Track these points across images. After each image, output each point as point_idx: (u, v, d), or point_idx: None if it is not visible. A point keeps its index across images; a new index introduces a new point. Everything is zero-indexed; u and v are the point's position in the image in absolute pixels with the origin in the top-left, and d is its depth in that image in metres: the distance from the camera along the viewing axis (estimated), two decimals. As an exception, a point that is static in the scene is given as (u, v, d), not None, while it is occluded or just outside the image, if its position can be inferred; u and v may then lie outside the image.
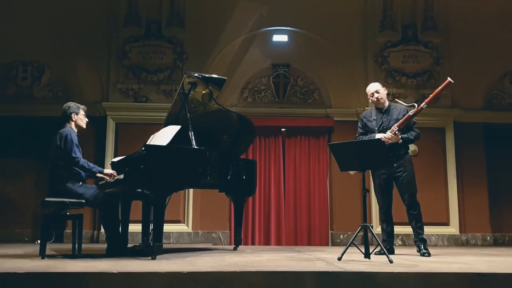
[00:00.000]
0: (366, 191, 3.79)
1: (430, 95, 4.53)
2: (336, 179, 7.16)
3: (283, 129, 7.51)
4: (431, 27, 7.54)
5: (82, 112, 4.25)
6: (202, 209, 7.06)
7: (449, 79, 4.46)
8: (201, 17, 7.51)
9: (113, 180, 4.10)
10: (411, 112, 4.39)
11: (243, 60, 7.52)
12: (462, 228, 7.21)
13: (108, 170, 4.20)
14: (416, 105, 4.42)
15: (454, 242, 7.11)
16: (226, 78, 4.69)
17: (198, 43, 7.46)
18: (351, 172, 4.31)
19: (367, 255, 3.71)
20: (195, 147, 4.01)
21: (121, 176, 3.99)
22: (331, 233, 7.22)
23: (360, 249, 3.76)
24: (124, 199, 4.40)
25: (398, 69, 7.46)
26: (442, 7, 7.61)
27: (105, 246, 4.26)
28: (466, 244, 7.14)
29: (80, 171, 4.09)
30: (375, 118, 4.59)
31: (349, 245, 3.71)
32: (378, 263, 3.41)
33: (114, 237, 4.16)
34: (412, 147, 7.02)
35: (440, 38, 7.53)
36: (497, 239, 7.43)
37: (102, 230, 6.15)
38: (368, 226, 3.76)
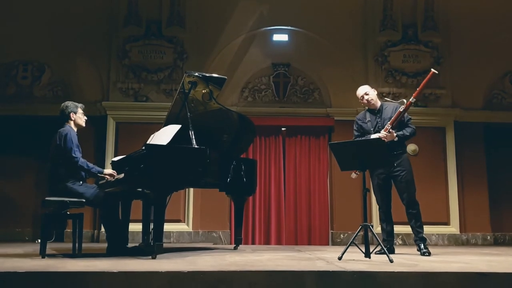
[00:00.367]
0: (366, 190, 3.79)
1: (417, 89, 4.53)
2: (336, 178, 7.16)
3: (283, 129, 7.51)
4: (432, 26, 7.54)
5: (80, 111, 4.24)
6: (202, 208, 7.06)
7: (433, 70, 4.48)
8: (202, 16, 7.50)
9: (113, 180, 4.09)
10: (401, 108, 4.40)
11: (243, 59, 7.52)
12: (463, 227, 7.20)
13: (108, 170, 4.18)
14: (405, 101, 4.43)
15: (454, 241, 7.11)
16: (226, 77, 4.69)
17: (199, 43, 7.46)
18: (353, 176, 4.31)
19: (367, 254, 3.71)
20: (195, 146, 4.00)
21: (122, 176, 3.99)
22: (331, 232, 7.22)
23: (361, 248, 3.76)
24: (124, 198, 4.40)
25: (399, 69, 7.46)
26: (443, 6, 7.61)
27: (105, 245, 4.26)
28: (466, 243, 7.14)
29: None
30: (370, 119, 4.60)
31: (349, 245, 3.71)
32: (378, 263, 3.41)
33: (115, 236, 4.16)
34: (412, 147, 7.04)
35: (441, 37, 7.53)
36: (497, 239, 7.42)
37: (103, 229, 6.16)
38: (369, 225, 3.76)
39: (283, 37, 7.60)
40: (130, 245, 4.39)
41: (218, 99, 4.76)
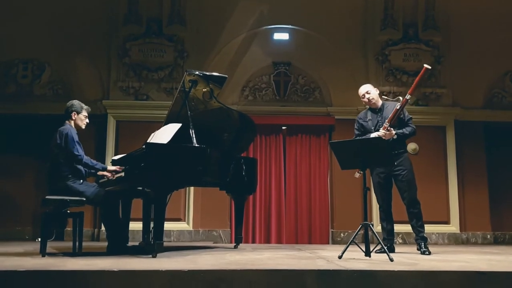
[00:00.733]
0: (367, 189, 3.79)
1: (412, 85, 4.52)
2: (336, 177, 7.16)
3: (284, 127, 7.51)
4: (432, 25, 7.54)
5: (84, 113, 4.23)
6: (202, 207, 7.06)
7: (425, 66, 4.47)
8: (202, 15, 7.50)
9: (114, 178, 4.09)
10: (397, 106, 4.39)
11: (244, 58, 7.52)
12: (463, 226, 7.21)
13: (112, 167, 4.18)
14: (401, 98, 4.43)
15: (454, 240, 7.11)
16: (226, 76, 4.69)
17: (199, 41, 7.45)
18: (357, 175, 4.31)
19: (367, 253, 3.70)
20: (196, 145, 4.00)
21: (122, 174, 3.99)
22: (332, 231, 7.22)
23: (361, 247, 3.76)
24: (124, 197, 4.40)
25: (399, 68, 7.46)
26: (443, 6, 7.60)
27: (105, 244, 4.26)
28: (466, 242, 7.14)
29: (81, 168, 4.09)
30: (371, 118, 4.60)
31: (349, 244, 3.71)
32: (378, 262, 3.41)
33: (115, 235, 4.16)
34: (412, 146, 7.04)
35: (441, 36, 7.53)
36: (497, 238, 7.43)
37: (103, 228, 6.16)
38: (369, 224, 3.75)
39: (284, 36, 7.60)
40: (130, 243, 4.39)
41: (219, 97, 4.76)
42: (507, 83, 7.70)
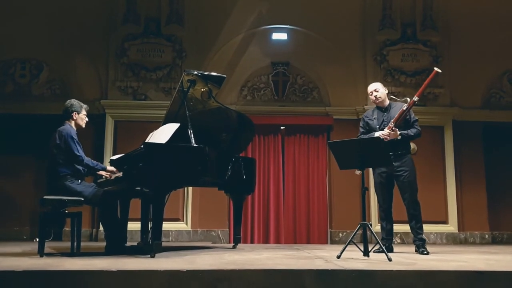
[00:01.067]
0: (365, 189, 3.80)
1: (420, 88, 4.54)
2: (335, 177, 7.16)
3: (282, 127, 7.51)
4: (430, 26, 7.54)
5: (84, 112, 4.23)
6: (201, 207, 7.06)
7: (436, 69, 4.47)
8: (201, 15, 7.49)
9: (112, 178, 4.09)
10: (404, 107, 4.39)
11: (243, 58, 7.51)
12: (461, 226, 7.22)
13: (111, 168, 4.18)
14: (408, 99, 4.43)
15: (452, 240, 7.12)
16: (225, 76, 4.68)
17: (197, 41, 7.44)
18: (357, 172, 4.31)
19: (366, 253, 3.71)
20: (194, 145, 4.00)
21: (120, 174, 3.99)
22: (330, 231, 7.22)
23: (359, 247, 3.76)
24: (123, 197, 4.39)
25: (397, 68, 7.46)
26: (441, 6, 7.61)
27: (104, 244, 4.25)
28: (464, 242, 7.15)
29: (80, 168, 4.08)
30: (376, 117, 4.61)
31: (348, 243, 3.71)
32: (377, 261, 3.41)
33: (113, 235, 4.15)
34: (411, 145, 7.03)
35: (439, 37, 7.54)
36: (495, 237, 7.44)
37: (101, 228, 6.16)
38: (367, 224, 3.76)
39: (282, 36, 7.60)
40: (128, 244, 4.38)
41: (217, 97, 4.76)
42: (505, 83, 7.71)
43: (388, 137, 4.33)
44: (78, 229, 3.95)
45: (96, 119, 6.95)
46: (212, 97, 4.62)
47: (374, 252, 4.01)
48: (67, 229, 6.56)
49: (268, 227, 7.23)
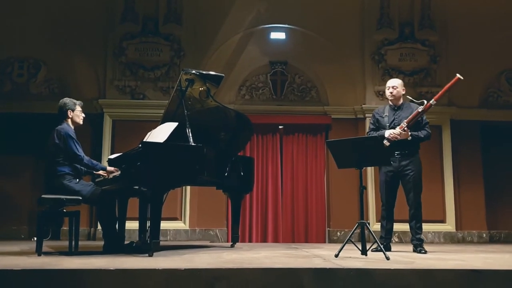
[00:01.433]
0: (363, 188, 3.80)
1: (439, 92, 4.50)
2: (333, 176, 7.17)
3: (280, 127, 7.51)
4: (428, 25, 7.56)
5: (78, 108, 4.21)
6: (199, 206, 7.06)
7: (458, 75, 4.44)
8: (199, 14, 7.49)
9: (110, 177, 4.08)
10: (420, 109, 4.39)
11: (241, 57, 7.51)
12: (458, 225, 7.23)
13: (111, 168, 4.17)
14: (425, 101, 4.43)
15: (450, 239, 7.14)
16: (223, 75, 4.67)
17: (196, 40, 7.44)
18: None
19: (364, 252, 3.71)
20: (192, 144, 4.00)
21: (118, 173, 3.98)
22: (328, 230, 7.23)
23: (357, 246, 3.77)
24: (121, 196, 4.39)
25: (395, 67, 7.47)
26: (439, 5, 7.62)
27: (102, 243, 4.25)
28: (462, 241, 7.16)
29: (78, 167, 4.08)
30: (387, 114, 4.59)
31: (346, 242, 3.71)
32: (375, 260, 3.42)
33: (111, 234, 4.15)
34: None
35: (437, 36, 7.55)
36: (493, 236, 7.46)
37: (99, 227, 6.15)
38: (365, 223, 3.76)
39: (281, 35, 7.60)
40: (126, 243, 4.37)
41: (216, 96, 4.76)
42: (502, 82, 7.73)
43: (399, 137, 4.34)
44: (76, 228, 3.94)
45: (94, 119, 6.95)
46: (210, 96, 4.61)
47: (372, 251, 4.02)
48: (65, 228, 6.54)
49: (266, 226, 7.24)
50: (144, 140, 4.18)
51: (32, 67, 7.38)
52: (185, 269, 2.75)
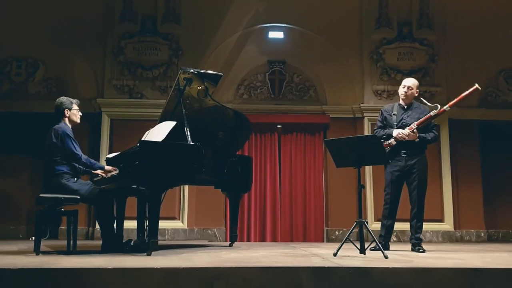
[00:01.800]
0: (361, 186, 3.80)
1: (455, 99, 4.51)
2: (331, 175, 7.17)
3: (278, 126, 7.51)
4: (427, 24, 7.56)
5: (75, 107, 4.20)
6: (197, 205, 7.05)
7: (476, 85, 4.45)
8: (197, 13, 7.48)
9: (108, 176, 4.08)
10: (432, 113, 4.40)
11: (239, 56, 7.51)
12: (457, 224, 7.24)
13: (109, 167, 4.16)
14: (439, 106, 4.43)
15: (448, 238, 7.14)
16: (221, 74, 4.66)
17: (194, 40, 7.43)
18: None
19: (362, 251, 3.71)
20: (191, 143, 3.99)
21: (117, 172, 3.97)
22: (326, 229, 7.23)
23: (356, 245, 3.76)
24: (119, 195, 4.38)
25: (394, 66, 7.47)
26: (438, 4, 7.63)
27: (100, 243, 4.24)
28: (460, 240, 7.17)
29: (76, 167, 4.07)
30: (396, 113, 4.59)
31: (344, 241, 3.71)
32: (373, 259, 3.42)
33: (109, 233, 4.14)
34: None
35: (436, 35, 7.55)
36: (491, 236, 7.47)
37: (97, 226, 6.13)
38: (364, 222, 3.76)
39: (279, 35, 7.60)
40: (124, 241, 4.36)
41: (214, 96, 4.75)
42: (501, 81, 7.73)
43: (407, 138, 4.35)
44: (74, 227, 3.94)
45: (92, 118, 6.94)
46: (208, 95, 4.60)
47: (370, 250, 4.01)
48: (63, 227, 6.55)
49: (264, 225, 7.24)
50: (142, 139, 4.17)
51: (30, 66, 7.37)
52: (184, 268, 2.75)
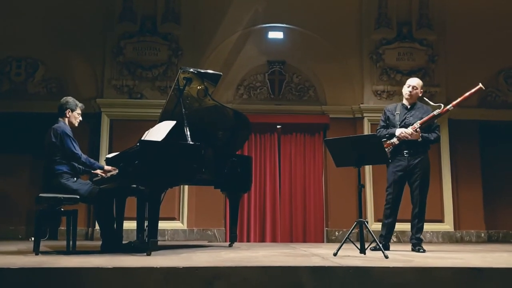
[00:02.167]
0: (361, 186, 3.79)
1: (459, 99, 4.49)
2: (331, 176, 7.17)
3: (278, 126, 7.51)
4: (426, 24, 7.56)
5: (78, 111, 4.20)
6: (197, 206, 7.05)
7: (480, 85, 4.44)
8: (197, 13, 7.48)
9: (108, 176, 4.07)
10: (435, 112, 4.39)
11: (239, 56, 7.51)
12: (457, 225, 7.23)
13: (109, 167, 4.15)
14: (442, 105, 4.42)
15: (448, 239, 7.14)
16: (221, 73, 4.66)
17: (194, 40, 7.43)
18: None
19: (362, 250, 3.71)
20: (190, 142, 3.99)
21: (116, 172, 3.97)
22: (326, 230, 7.22)
23: (356, 245, 3.76)
24: (118, 195, 4.37)
25: (393, 67, 7.47)
26: (437, 4, 7.63)
27: (99, 243, 4.23)
28: (460, 241, 7.17)
29: (76, 166, 4.06)
30: (399, 112, 4.59)
31: (344, 241, 3.70)
32: (373, 258, 3.41)
33: (109, 233, 4.13)
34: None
35: (435, 35, 7.55)
36: (491, 236, 7.46)
37: (97, 227, 6.13)
38: (364, 221, 3.75)
39: (278, 35, 7.61)
40: (124, 242, 4.36)
41: (213, 96, 4.74)
42: (501, 82, 7.73)
43: (409, 137, 4.34)
44: (74, 227, 3.93)
45: (92, 118, 6.93)
46: (208, 95, 4.60)
47: (370, 249, 4.01)
48: (62, 228, 6.54)
49: (264, 225, 7.23)
50: (142, 138, 4.17)
51: (30, 67, 7.36)
52: (184, 267, 2.74)
